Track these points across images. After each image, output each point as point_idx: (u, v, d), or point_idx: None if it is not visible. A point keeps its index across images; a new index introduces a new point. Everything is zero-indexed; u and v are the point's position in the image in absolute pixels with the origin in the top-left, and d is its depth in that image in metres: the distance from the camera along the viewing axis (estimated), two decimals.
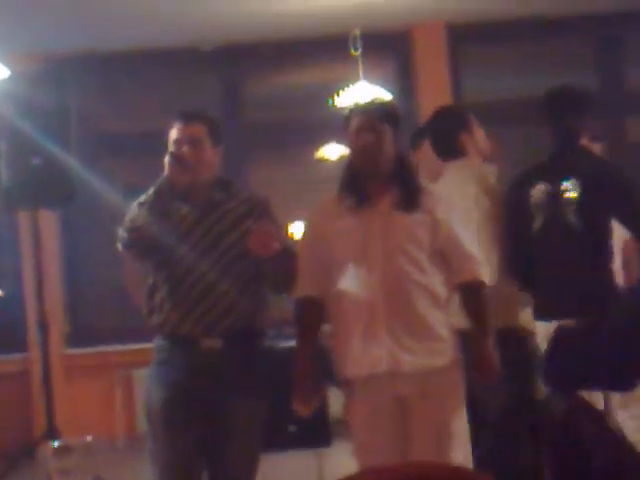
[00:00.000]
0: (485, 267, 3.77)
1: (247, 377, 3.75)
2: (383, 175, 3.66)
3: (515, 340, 4.24)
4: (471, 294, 3.66)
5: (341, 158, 7.93)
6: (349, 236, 3.63)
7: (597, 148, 4.87)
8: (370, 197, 3.64)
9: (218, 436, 3.71)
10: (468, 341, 3.66)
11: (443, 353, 3.61)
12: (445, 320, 3.65)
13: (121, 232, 3.74)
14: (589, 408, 3.95)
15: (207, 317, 3.69)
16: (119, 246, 3.78)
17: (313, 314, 3.71)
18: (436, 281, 3.62)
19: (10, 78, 5.90)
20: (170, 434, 3.71)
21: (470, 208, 4.23)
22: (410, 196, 3.62)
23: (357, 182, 3.67)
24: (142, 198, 3.72)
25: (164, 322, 3.73)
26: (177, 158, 3.68)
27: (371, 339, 3.57)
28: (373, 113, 3.68)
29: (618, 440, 3.80)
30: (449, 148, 4.50)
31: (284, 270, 3.74)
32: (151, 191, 3.69)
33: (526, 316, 4.47)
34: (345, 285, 3.62)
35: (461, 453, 3.58)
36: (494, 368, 3.60)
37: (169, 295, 3.72)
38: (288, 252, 3.75)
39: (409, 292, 3.56)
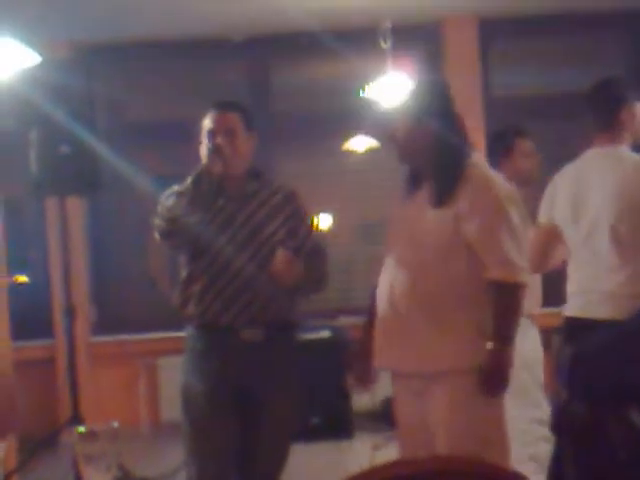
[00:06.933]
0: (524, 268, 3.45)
1: (287, 369, 3.76)
2: (426, 167, 3.52)
3: None
4: (494, 294, 3.39)
5: (368, 150, 7.94)
6: (391, 227, 3.63)
7: None
8: (417, 188, 3.54)
9: (256, 426, 3.71)
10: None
11: (459, 354, 3.41)
12: (469, 319, 3.42)
13: (158, 221, 3.72)
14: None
15: (250, 308, 3.69)
16: (156, 235, 3.76)
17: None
18: (460, 280, 3.40)
19: (39, 65, 5.90)
20: (211, 425, 3.71)
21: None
22: (441, 191, 3.42)
23: (411, 172, 3.60)
24: (179, 188, 3.70)
25: (204, 312, 3.72)
26: (216, 149, 3.67)
27: (386, 335, 3.53)
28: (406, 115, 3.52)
29: None
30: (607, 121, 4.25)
31: (316, 274, 3.78)
32: (189, 181, 3.67)
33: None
34: (380, 278, 3.60)
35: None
36: (499, 382, 3.38)
37: (210, 285, 3.72)
38: (319, 252, 3.80)
39: (424, 292, 3.42)
